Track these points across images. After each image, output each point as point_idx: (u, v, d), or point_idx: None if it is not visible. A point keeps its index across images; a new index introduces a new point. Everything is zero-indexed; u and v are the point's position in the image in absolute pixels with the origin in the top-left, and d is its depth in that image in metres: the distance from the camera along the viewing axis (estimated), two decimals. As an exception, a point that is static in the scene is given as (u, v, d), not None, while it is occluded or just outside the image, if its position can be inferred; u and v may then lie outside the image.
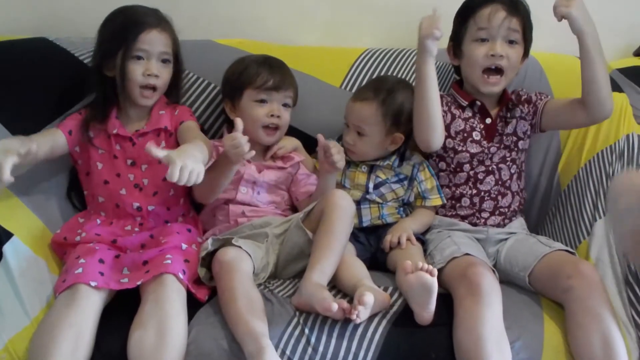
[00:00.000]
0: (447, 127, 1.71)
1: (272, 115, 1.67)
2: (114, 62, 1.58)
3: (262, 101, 1.68)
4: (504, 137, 1.72)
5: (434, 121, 1.62)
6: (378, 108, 1.68)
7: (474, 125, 1.72)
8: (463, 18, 1.71)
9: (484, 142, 1.71)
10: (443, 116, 1.68)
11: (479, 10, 1.67)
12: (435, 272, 1.34)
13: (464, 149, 1.70)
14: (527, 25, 1.69)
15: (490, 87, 1.67)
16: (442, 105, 1.69)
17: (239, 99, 1.69)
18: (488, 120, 1.72)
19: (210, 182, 1.52)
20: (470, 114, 1.73)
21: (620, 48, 2.08)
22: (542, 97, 1.75)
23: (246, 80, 1.68)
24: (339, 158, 1.59)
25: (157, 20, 1.61)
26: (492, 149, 1.71)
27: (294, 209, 1.76)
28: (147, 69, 1.58)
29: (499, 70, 1.66)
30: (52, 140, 1.58)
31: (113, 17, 1.63)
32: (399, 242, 1.61)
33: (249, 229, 1.63)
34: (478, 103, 1.72)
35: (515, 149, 1.73)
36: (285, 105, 1.71)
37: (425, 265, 1.34)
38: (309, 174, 1.75)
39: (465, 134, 1.70)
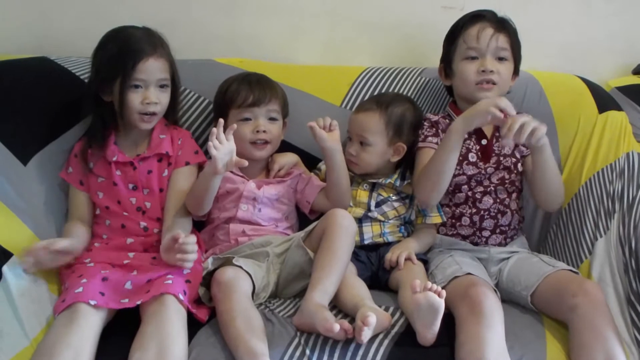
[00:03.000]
0: None
1: (257, 131, 1.67)
2: (112, 88, 1.58)
3: (246, 119, 1.68)
4: (502, 158, 1.72)
5: (440, 186, 1.63)
6: (381, 117, 1.70)
7: (470, 146, 1.72)
8: (452, 38, 1.74)
9: (480, 163, 1.71)
10: (439, 142, 1.69)
11: (467, 29, 1.70)
12: (444, 293, 1.34)
13: (460, 171, 1.70)
14: (514, 42, 1.72)
15: (485, 92, 1.68)
16: (439, 134, 1.71)
17: (225, 120, 1.70)
18: (484, 142, 1.73)
19: (197, 194, 1.58)
20: (465, 135, 1.73)
21: (619, 66, 2.09)
22: None
23: (228, 101, 1.69)
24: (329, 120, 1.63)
25: (153, 47, 1.59)
26: (489, 170, 1.71)
27: (294, 224, 1.75)
28: (146, 97, 1.58)
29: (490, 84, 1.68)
30: (83, 202, 1.64)
31: (107, 41, 1.61)
32: (398, 262, 1.61)
33: (249, 248, 1.62)
34: None
35: (515, 170, 1.73)
36: (271, 119, 1.71)
37: (434, 286, 1.34)
38: (309, 177, 1.74)
39: (460, 157, 1.70)
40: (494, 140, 1.73)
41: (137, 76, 1.56)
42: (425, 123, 1.75)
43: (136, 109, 1.58)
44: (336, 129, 1.64)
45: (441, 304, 1.33)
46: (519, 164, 1.74)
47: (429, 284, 1.34)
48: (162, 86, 1.61)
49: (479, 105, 1.56)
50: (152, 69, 1.58)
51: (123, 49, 1.57)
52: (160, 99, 1.60)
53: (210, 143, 1.49)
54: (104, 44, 1.61)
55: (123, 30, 1.62)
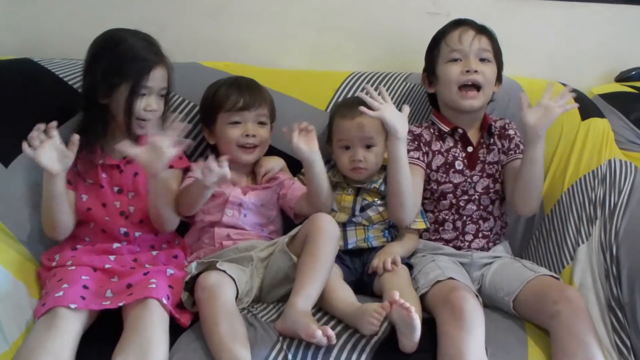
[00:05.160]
0: (428, 165, 1.72)
1: (246, 135, 1.67)
2: (112, 91, 1.58)
3: (236, 123, 1.68)
4: (487, 166, 1.73)
5: (405, 206, 1.62)
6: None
7: (456, 154, 1.73)
8: (434, 45, 1.75)
9: (467, 170, 1.72)
10: (421, 157, 1.70)
11: (449, 34, 1.72)
12: (413, 310, 1.32)
13: (447, 179, 1.71)
14: (496, 47, 1.73)
15: (469, 101, 1.68)
16: (421, 147, 1.71)
17: (213, 124, 1.70)
18: (470, 149, 1.73)
19: (188, 200, 1.58)
20: (451, 143, 1.74)
21: (602, 74, 2.11)
22: (518, 151, 1.73)
23: (217, 105, 1.69)
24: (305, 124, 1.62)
25: (160, 56, 1.61)
26: (475, 178, 1.72)
27: (280, 228, 1.75)
28: (148, 104, 1.60)
29: (475, 86, 1.68)
30: (70, 201, 1.59)
31: (114, 45, 1.59)
32: (384, 267, 1.60)
33: (233, 252, 1.62)
34: (460, 131, 1.73)
35: (500, 179, 1.74)
36: (260, 123, 1.71)
37: (406, 304, 1.32)
38: (291, 183, 1.74)
39: (447, 166, 1.71)
40: (479, 147, 1.73)
41: (146, 84, 1.58)
42: (407, 136, 1.73)
43: (138, 115, 1.59)
44: (314, 140, 1.61)
45: (413, 319, 1.32)
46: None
47: (401, 301, 1.33)
48: (162, 95, 1.63)
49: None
50: (157, 78, 1.60)
51: (136, 56, 1.58)
52: (159, 107, 1.62)
53: (199, 171, 1.49)
54: (111, 47, 1.59)
55: (127, 35, 1.61)
